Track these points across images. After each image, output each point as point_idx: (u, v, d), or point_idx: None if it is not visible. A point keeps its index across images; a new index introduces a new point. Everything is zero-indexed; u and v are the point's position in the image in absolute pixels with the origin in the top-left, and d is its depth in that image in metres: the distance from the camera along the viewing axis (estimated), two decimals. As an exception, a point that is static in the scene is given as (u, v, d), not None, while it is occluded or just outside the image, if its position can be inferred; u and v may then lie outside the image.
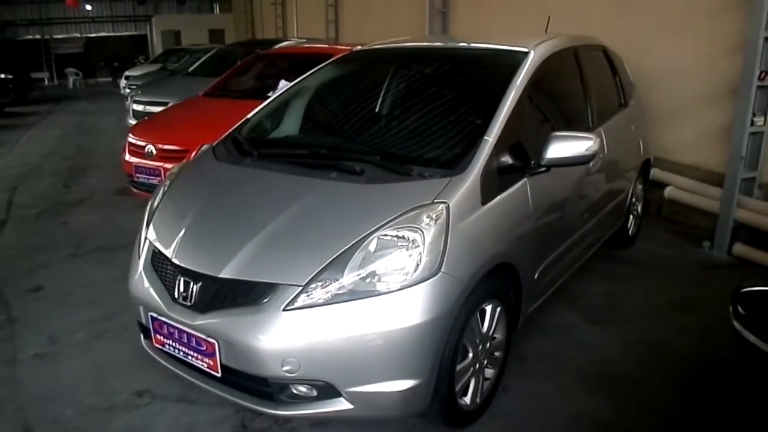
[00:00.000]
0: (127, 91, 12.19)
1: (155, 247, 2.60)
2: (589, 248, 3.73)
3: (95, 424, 2.65)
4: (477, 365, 2.51)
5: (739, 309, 1.95)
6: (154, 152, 5.21)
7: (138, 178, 5.36)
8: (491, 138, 2.58)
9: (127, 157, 5.46)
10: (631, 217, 4.50)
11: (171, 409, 2.74)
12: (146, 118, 6.76)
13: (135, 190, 5.50)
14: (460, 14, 8.57)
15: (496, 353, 2.68)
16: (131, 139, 5.49)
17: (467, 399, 2.51)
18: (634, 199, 4.46)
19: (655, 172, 5.19)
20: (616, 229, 4.27)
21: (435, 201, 2.30)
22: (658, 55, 5.30)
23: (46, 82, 26.83)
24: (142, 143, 5.32)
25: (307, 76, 3.70)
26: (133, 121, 7.38)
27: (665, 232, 5.05)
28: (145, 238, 2.71)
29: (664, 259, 4.48)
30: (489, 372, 2.65)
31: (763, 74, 4.13)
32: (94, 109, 15.66)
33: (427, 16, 8.98)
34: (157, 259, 2.57)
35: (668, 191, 5.15)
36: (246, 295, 2.22)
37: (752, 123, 4.24)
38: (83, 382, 2.95)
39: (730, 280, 2.73)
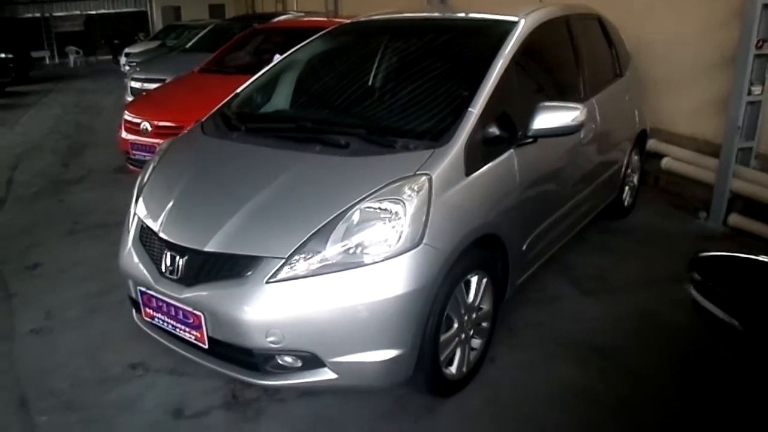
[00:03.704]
0: (127, 68, 12.17)
1: (143, 222, 2.61)
2: (581, 219, 3.72)
3: (89, 396, 2.69)
4: (463, 335, 2.53)
5: (695, 275, 1.92)
6: (150, 129, 5.22)
7: (135, 155, 5.37)
8: (476, 109, 2.56)
9: (124, 134, 5.47)
10: (627, 188, 4.48)
11: (163, 381, 2.79)
12: (143, 95, 6.75)
13: (132, 168, 5.50)
14: (459, -15, 8.44)
15: (483, 324, 2.70)
16: (127, 116, 5.50)
17: (453, 369, 2.53)
18: (629, 170, 4.43)
19: (652, 143, 5.15)
20: (611, 201, 4.25)
21: (417, 173, 2.30)
22: (656, 24, 5.22)
23: (47, 61, 26.68)
24: (138, 120, 5.33)
25: (297, 49, 3.68)
26: (130, 99, 7.37)
27: (662, 203, 5.03)
28: (134, 214, 2.73)
29: (660, 230, 4.46)
30: (476, 342, 2.67)
31: (760, 42, 4.06)
32: (94, 88, 15.63)
33: (426, -13, 8.86)
34: (145, 235, 2.59)
35: (665, 162, 5.11)
36: (230, 268, 2.24)
37: (749, 92, 4.19)
38: (78, 356, 3.00)
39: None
